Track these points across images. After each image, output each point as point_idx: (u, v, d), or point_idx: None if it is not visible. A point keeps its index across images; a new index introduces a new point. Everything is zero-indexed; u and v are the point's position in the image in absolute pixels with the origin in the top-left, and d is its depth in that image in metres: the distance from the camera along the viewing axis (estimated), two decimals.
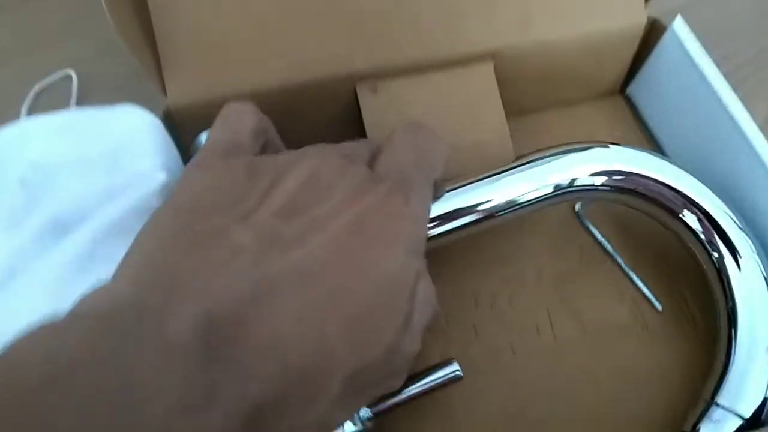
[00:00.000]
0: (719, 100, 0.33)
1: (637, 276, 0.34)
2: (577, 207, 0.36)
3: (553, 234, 0.36)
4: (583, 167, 0.30)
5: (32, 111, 0.41)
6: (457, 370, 0.29)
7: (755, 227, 0.30)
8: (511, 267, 0.35)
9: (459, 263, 0.34)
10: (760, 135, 0.31)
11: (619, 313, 0.33)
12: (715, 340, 0.30)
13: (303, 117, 0.35)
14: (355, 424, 0.26)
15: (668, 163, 0.30)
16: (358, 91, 0.34)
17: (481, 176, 0.29)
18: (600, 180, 0.30)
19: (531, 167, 0.30)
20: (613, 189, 0.30)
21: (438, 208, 0.28)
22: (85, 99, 0.41)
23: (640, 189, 0.30)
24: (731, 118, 0.32)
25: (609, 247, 0.35)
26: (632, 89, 0.41)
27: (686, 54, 0.34)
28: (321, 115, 0.35)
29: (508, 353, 0.32)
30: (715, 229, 0.30)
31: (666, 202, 0.30)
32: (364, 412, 0.27)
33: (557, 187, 0.29)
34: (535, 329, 0.33)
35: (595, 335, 0.33)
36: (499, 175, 0.29)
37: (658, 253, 0.35)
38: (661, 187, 0.30)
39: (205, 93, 0.32)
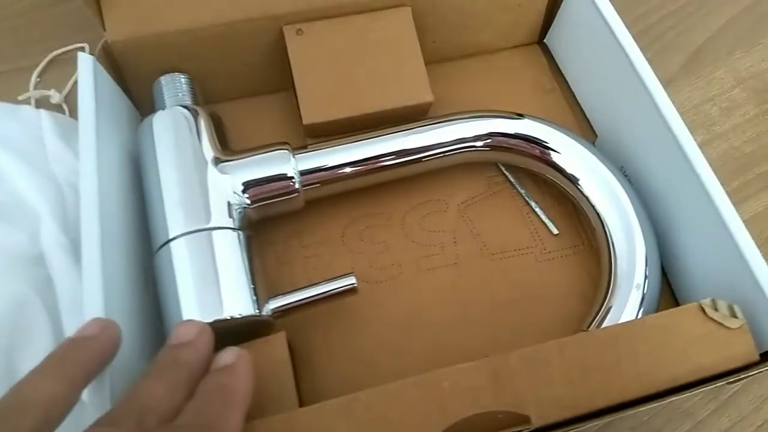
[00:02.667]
0: (624, 53, 0.35)
1: (536, 204, 0.37)
2: None
3: (465, 167, 0.39)
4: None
5: None
6: (353, 283, 0.32)
7: (651, 176, 0.35)
8: (424, 194, 0.38)
9: (381, 189, 0.38)
10: (662, 90, 0.33)
11: (520, 236, 0.37)
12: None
13: (235, 56, 0.38)
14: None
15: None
16: (285, 32, 0.37)
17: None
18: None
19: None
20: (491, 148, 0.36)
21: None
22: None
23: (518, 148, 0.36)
24: (636, 72, 0.34)
25: (511, 178, 0.38)
26: (550, 39, 0.44)
27: (594, 5, 0.37)
28: (252, 55, 0.38)
29: (412, 267, 0.36)
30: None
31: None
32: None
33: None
34: (440, 248, 0.36)
35: (496, 255, 0.36)
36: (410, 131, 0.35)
37: (555, 191, 0.38)
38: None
39: (143, 28, 0.35)
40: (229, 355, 0.26)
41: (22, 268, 0.29)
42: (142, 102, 0.38)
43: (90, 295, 0.27)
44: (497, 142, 0.36)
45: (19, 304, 0.28)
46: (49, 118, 0.36)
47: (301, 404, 0.28)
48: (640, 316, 0.31)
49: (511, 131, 0.36)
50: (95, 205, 0.29)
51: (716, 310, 0.28)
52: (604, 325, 0.31)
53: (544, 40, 0.44)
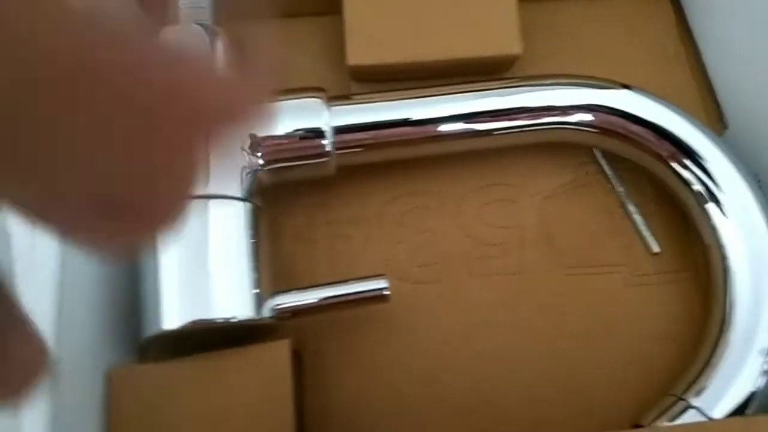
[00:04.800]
0: None
1: (637, 208, 0.29)
2: None
3: (549, 147, 0.30)
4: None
5: None
6: (384, 288, 0.24)
7: None
8: (491, 175, 0.30)
9: (434, 162, 0.29)
10: None
11: (608, 248, 0.28)
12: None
13: None
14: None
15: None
16: None
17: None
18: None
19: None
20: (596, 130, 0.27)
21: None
22: None
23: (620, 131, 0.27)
24: None
25: (608, 170, 0.29)
26: None
27: None
28: None
29: (462, 270, 0.28)
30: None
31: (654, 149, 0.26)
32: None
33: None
34: (501, 248, 0.28)
35: (574, 268, 0.28)
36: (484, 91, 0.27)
37: (664, 194, 0.29)
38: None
39: None
40: None
41: None
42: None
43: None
44: (598, 121, 0.27)
45: None
46: None
47: (303, 428, 0.22)
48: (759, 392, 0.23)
49: (619, 108, 0.27)
50: None
51: None
52: (704, 395, 0.23)
53: None
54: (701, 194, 0.26)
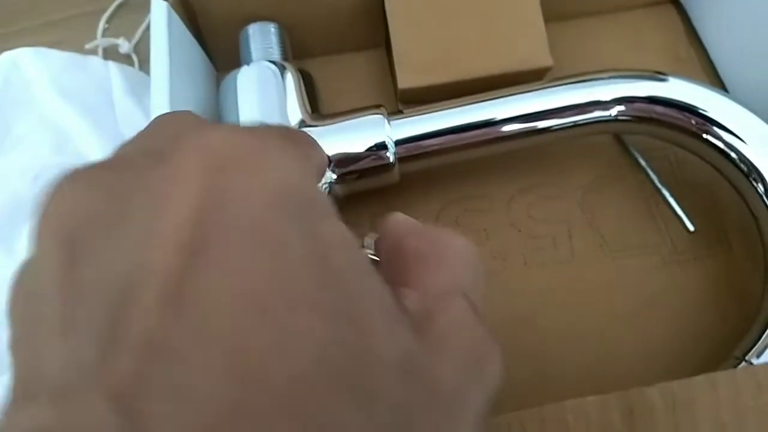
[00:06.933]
0: None
1: (670, 192, 0.32)
2: None
3: (583, 143, 0.33)
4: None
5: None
6: None
7: None
8: (534, 175, 0.33)
9: (481, 168, 0.33)
10: None
11: (646, 231, 0.31)
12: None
13: (324, 5, 0.33)
14: None
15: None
16: None
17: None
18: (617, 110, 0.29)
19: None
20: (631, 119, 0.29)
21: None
22: None
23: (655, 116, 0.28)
24: None
25: (641, 160, 0.32)
26: None
27: None
28: (343, 5, 0.33)
29: (518, 261, 0.31)
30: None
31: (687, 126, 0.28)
32: None
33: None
34: (551, 240, 0.31)
35: (618, 252, 0.31)
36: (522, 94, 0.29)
37: (694, 174, 0.32)
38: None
39: None
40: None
41: None
42: (218, 55, 0.34)
43: None
44: (639, 110, 0.29)
45: None
46: (118, 72, 0.32)
47: None
48: None
49: (660, 95, 0.29)
50: None
51: None
52: (765, 355, 0.26)
53: None
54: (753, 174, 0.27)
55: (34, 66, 0.31)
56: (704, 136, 0.28)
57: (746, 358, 0.26)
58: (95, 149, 0.29)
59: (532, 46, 0.32)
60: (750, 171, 0.27)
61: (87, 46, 0.35)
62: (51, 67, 0.31)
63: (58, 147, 0.29)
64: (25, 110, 0.30)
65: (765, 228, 0.28)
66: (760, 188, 0.27)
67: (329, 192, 0.28)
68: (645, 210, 0.32)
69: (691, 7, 0.37)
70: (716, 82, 0.35)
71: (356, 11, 0.34)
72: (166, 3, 0.29)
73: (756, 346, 0.26)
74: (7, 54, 0.31)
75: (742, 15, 0.33)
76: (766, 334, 0.26)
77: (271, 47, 0.31)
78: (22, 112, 0.30)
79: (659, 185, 0.32)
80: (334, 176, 0.28)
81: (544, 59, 0.31)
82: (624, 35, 0.37)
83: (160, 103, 0.26)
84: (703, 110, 0.28)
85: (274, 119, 0.28)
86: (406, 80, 0.31)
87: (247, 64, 0.30)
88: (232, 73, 0.30)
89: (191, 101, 0.29)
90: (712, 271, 0.30)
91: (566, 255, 0.31)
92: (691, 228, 0.31)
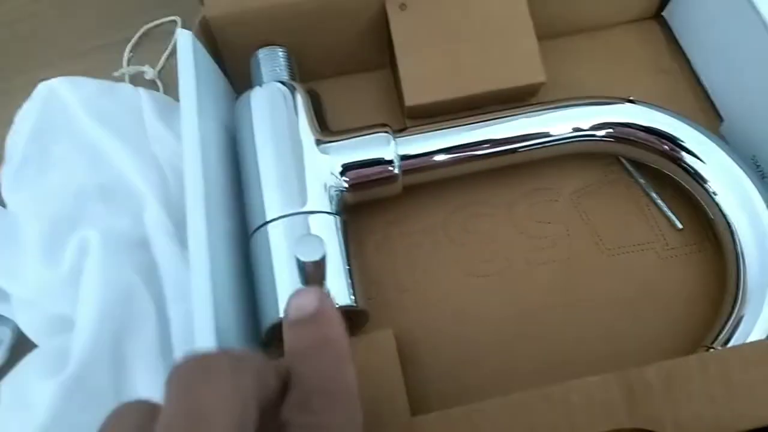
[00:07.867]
0: (763, 23, 0.31)
1: (658, 195, 0.34)
2: None
3: (578, 154, 0.36)
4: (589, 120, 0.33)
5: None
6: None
7: None
8: (533, 182, 0.35)
9: (484, 176, 0.35)
10: None
11: (639, 230, 0.34)
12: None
13: (334, 31, 0.36)
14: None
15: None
16: (387, 7, 0.35)
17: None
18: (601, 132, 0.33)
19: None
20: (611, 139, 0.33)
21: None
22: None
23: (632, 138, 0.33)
24: None
25: (629, 167, 0.35)
26: (669, 12, 0.40)
27: None
28: (350, 31, 0.36)
29: (521, 261, 0.33)
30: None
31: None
32: None
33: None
34: (551, 240, 0.34)
35: (613, 249, 0.33)
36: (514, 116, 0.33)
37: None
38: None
39: (241, 2, 0.34)
40: (309, 298, 0.20)
41: (127, 253, 0.29)
42: (237, 78, 0.37)
43: (198, 283, 0.26)
44: (618, 132, 0.33)
45: (126, 290, 0.27)
46: (147, 97, 0.35)
47: (410, 403, 0.27)
48: None
49: (632, 122, 0.32)
50: (201, 189, 0.27)
51: None
52: (735, 337, 0.28)
53: (662, 14, 0.40)
54: (700, 177, 0.32)
55: (69, 93, 0.33)
56: (669, 155, 0.32)
57: (713, 346, 0.28)
58: (129, 168, 0.32)
59: (526, 64, 0.34)
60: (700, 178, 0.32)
61: (115, 74, 0.38)
62: (85, 93, 0.34)
63: (94, 166, 0.32)
64: (63, 134, 0.33)
65: (720, 230, 0.32)
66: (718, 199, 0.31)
67: (341, 199, 0.31)
68: (638, 211, 0.34)
69: (674, 21, 0.40)
70: (698, 87, 0.38)
71: (362, 37, 0.37)
72: (190, 32, 0.32)
73: (720, 336, 0.28)
74: (44, 84, 0.34)
75: (722, 26, 0.35)
76: (728, 324, 0.29)
77: (281, 68, 0.34)
78: (59, 136, 0.33)
79: (648, 189, 0.34)
80: (346, 185, 0.31)
81: (537, 75, 0.34)
82: (611, 50, 0.40)
83: (190, 125, 0.29)
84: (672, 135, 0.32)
85: (285, 136, 0.31)
86: (412, 98, 0.34)
87: (260, 85, 0.33)
88: (245, 95, 0.32)
89: (215, 122, 0.32)
90: (702, 263, 0.33)
91: (565, 253, 0.33)
92: (680, 226, 0.33)
